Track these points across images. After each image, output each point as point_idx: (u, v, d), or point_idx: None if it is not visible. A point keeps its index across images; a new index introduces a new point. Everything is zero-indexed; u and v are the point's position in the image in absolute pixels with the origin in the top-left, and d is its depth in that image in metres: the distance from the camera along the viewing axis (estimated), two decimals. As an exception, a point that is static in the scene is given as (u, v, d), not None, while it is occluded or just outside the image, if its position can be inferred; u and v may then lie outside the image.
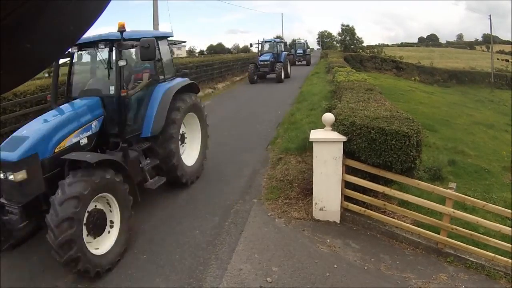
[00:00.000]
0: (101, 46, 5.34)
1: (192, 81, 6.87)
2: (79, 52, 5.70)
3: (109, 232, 4.47)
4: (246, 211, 5.75)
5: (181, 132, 6.40)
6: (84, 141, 4.91)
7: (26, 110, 8.63)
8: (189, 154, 6.80)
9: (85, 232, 4.06)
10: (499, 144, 13.01)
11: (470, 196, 5.51)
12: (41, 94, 9.13)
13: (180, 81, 6.49)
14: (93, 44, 5.37)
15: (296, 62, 36.70)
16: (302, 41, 42.61)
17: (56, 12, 0.43)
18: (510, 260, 4.54)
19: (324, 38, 69.18)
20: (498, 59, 44.73)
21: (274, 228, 5.31)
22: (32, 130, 4.46)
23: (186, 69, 11.85)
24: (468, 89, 34.73)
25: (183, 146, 6.68)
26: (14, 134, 4.49)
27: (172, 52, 7.24)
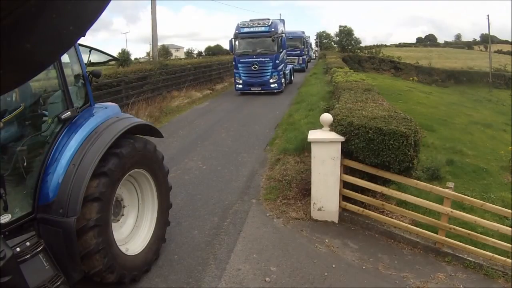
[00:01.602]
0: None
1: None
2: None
3: None
4: (245, 212, 5.76)
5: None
6: None
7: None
8: None
9: None
10: (497, 143, 13.02)
11: (468, 196, 5.53)
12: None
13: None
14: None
15: None
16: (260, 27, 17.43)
17: (56, 12, 0.43)
18: (508, 260, 4.56)
19: (322, 39, 69.23)
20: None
21: (273, 228, 5.32)
22: None
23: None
24: (466, 89, 34.77)
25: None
26: None
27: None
